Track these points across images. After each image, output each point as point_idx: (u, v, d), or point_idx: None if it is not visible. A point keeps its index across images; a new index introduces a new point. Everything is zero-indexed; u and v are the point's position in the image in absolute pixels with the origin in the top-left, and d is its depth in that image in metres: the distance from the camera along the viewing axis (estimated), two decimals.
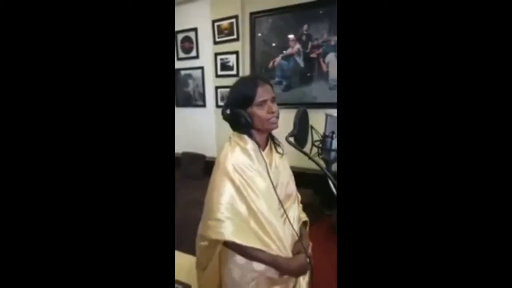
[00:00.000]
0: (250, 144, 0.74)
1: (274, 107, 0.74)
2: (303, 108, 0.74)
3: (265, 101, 0.72)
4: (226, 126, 0.80)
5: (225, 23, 2.52)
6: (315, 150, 0.70)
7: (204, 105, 2.94)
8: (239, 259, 0.74)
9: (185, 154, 2.85)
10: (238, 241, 0.69)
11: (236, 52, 2.52)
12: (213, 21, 2.57)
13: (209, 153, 2.84)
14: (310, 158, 0.66)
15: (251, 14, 2.43)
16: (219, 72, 2.67)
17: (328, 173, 0.61)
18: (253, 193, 0.72)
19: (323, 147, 0.66)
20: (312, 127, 0.70)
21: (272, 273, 0.73)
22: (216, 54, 2.63)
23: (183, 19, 2.78)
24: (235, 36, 2.49)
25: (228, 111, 0.75)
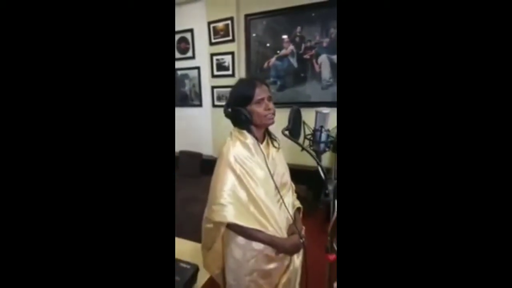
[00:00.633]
0: (249, 139, 0.85)
1: (271, 105, 0.84)
2: (296, 107, 0.85)
3: (262, 100, 0.83)
4: (222, 125, 0.91)
5: (220, 25, 2.62)
6: (307, 142, 0.81)
7: (200, 105, 3.04)
8: (240, 239, 0.85)
9: (182, 153, 2.94)
10: (240, 222, 0.79)
11: (232, 53, 2.62)
12: (209, 23, 2.67)
13: (206, 151, 2.93)
14: (303, 148, 0.77)
15: (246, 16, 2.54)
16: (215, 72, 2.77)
17: (318, 161, 0.73)
18: (253, 181, 0.82)
19: (314, 140, 0.77)
20: (304, 123, 0.81)
21: (270, 251, 0.84)
22: (212, 55, 2.73)
23: (180, 20, 2.87)
24: (230, 37, 2.59)
25: (229, 109, 0.85)
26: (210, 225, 0.85)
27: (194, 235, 1.12)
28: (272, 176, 0.84)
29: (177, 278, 0.87)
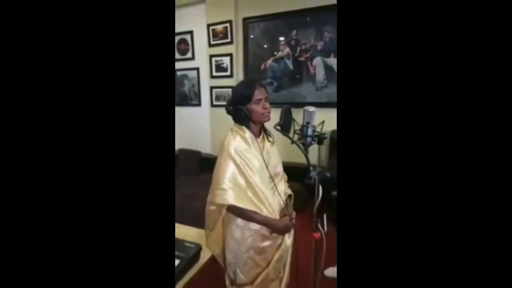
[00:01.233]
0: (247, 133, 0.99)
1: (267, 104, 0.99)
2: (287, 106, 1.00)
3: (260, 100, 0.97)
4: (220, 124, 1.05)
5: (219, 27, 2.76)
6: (296, 137, 0.96)
7: (199, 104, 3.18)
8: (240, 221, 0.99)
9: (181, 151, 3.07)
10: (239, 205, 0.94)
11: (230, 55, 2.77)
12: (208, 25, 2.82)
13: (204, 149, 3.07)
14: (293, 141, 0.92)
15: (244, 19, 2.69)
16: (214, 73, 2.91)
17: (304, 152, 0.87)
18: (250, 170, 0.97)
19: (302, 134, 0.92)
20: (294, 120, 0.96)
21: (264, 231, 0.98)
22: (211, 56, 2.87)
23: (180, 22, 3.01)
24: (229, 40, 2.74)
25: (231, 107, 1.00)
26: (213, 207, 0.99)
27: (196, 224, 1.27)
28: (267, 166, 0.98)
29: (182, 255, 1.01)
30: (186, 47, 3.11)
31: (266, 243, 1.00)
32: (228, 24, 2.71)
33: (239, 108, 0.97)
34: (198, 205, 1.05)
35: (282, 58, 2.60)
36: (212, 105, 3.01)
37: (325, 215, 0.96)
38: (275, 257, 1.01)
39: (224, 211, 0.98)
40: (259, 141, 1.01)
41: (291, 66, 2.57)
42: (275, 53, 2.62)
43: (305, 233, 1.02)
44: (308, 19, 2.44)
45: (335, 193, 1.92)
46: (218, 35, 2.79)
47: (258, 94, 0.97)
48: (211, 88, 2.98)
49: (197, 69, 3.10)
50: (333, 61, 2.40)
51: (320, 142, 0.88)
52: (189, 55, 3.12)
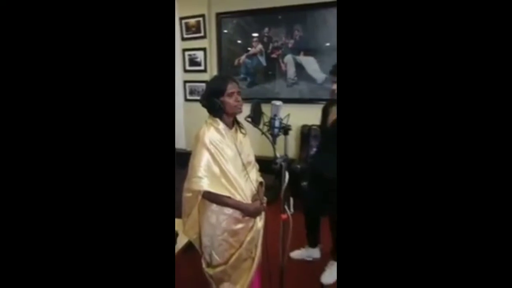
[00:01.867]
0: (221, 125, 1.09)
1: (239, 98, 1.09)
2: (257, 100, 1.11)
3: (233, 93, 1.07)
4: (194, 119, 1.12)
5: (192, 21, 2.79)
6: (265, 128, 1.08)
7: None
8: (214, 207, 1.09)
9: None
10: (213, 190, 1.03)
11: (204, 49, 2.81)
12: (181, 18, 2.82)
13: (178, 144, 3.08)
14: (262, 132, 1.03)
15: (217, 14, 2.75)
16: (187, 67, 2.93)
17: (272, 142, 0.99)
18: (224, 159, 1.06)
19: (270, 126, 1.04)
20: (263, 113, 1.08)
21: (238, 214, 1.09)
22: (184, 50, 2.89)
23: None
24: (202, 34, 2.78)
25: (205, 100, 1.09)
26: (189, 194, 1.08)
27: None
28: (240, 155, 1.09)
29: None
30: None
31: (239, 225, 1.11)
32: (201, 19, 2.74)
33: (214, 101, 1.06)
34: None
35: (255, 54, 2.70)
36: (186, 100, 3.03)
37: (291, 199, 1.09)
38: (247, 238, 1.12)
39: (199, 197, 1.07)
40: (231, 132, 1.11)
41: (264, 63, 2.69)
42: (248, 49, 2.71)
43: (276, 220, 1.15)
44: (279, 17, 2.56)
45: (304, 183, 2.09)
46: (191, 29, 2.82)
47: (231, 87, 1.07)
48: (185, 82, 2.99)
49: None
50: (302, 59, 2.56)
51: (286, 132, 1.01)
52: None
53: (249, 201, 1.12)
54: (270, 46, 2.63)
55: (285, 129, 0.99)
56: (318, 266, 1.67)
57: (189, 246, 1.20)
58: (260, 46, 2.66)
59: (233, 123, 1.15)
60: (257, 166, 1.28)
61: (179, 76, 3.04)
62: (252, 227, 1.14)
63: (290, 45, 2.57)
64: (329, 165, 1.41)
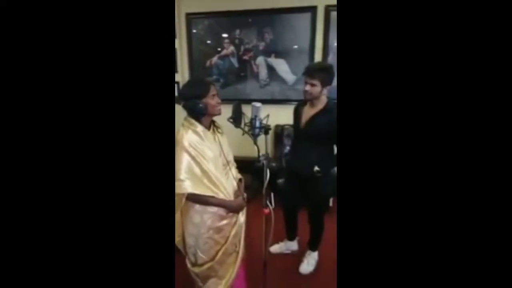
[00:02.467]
0: (199, 127, 1.13)
1: (219, 99, 1.15)
2: (238, 101, 1.18)
3: (214, 95, 1.13)
4: None
5: None
6: (246, 128, 1.15)
7: None
8: (198, 207, 1.13)
9: None
10: (197, 192, 1.07)
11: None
12: None
13: None
14: (244, 131, 1.10)
15: (187, 14, 2.75)
16: None
17: (255, 140, 1.07)
18: (204, 159, 1.11)
19: (251, 126, 1.11)
20: (243, 113, 1.14)
21: (222, 211, 1.14)
22: None
23: None
24: None
25: (188, 103, 1.12)
26: None
27: None
28: (223, 154, 1.15)
29: None
30: None
31: (224, 222, 1.17)
32: None
33: (196, 103, 1.10)
34: None
35: (227, 56, 2.75)
36: None
37: (272, 194, 1.17)
38: (232, 233, 1.19)
39: (184, 199, 1.10)
40: (210, 133, 1.17)
41: (236, 64, 2.75)
42: (219, 49, 2.75)
43: (257, 216, 1.23)
44: (249, 20, 2.65)
45: (279, 180, 2.20)
46: None
47: (212, 90, 1.13)
48: None
49: None
50: (273, 61, 2.68)
51: (266, 132, 1.09)
52: None
53: (232, 198, 1.18)
54: (242, 48, 2.71)
55: (266, 129, 1.07)
56: (296, 258, 1.78)
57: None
58: (232, 48, 2.73)
59: (210, 124, 1.21)
60: (235, 164, 1.34)
61: None
62: (235, 222, 1.21)
63: (261, 47, 2.67)
64: (304, 163, 1.53)
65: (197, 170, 1.10)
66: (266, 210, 1.15)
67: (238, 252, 1.23)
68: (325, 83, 1.41)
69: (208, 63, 2.80)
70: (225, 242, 1.18)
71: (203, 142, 1.12)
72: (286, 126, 2.57)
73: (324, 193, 1.64)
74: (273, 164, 2.38)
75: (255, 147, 1.11)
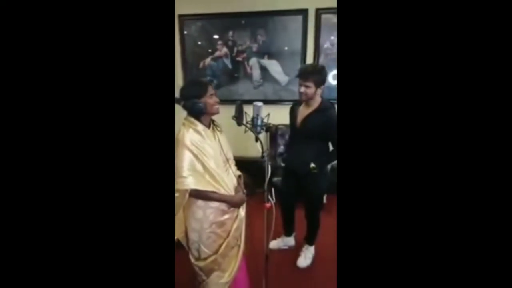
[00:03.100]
0: (199, 126, 1.19)
1: (217, 98, 1.21)
2: (240, 101, 1.24)
3: (212, 94, 1.18)
4: None
5: None
6: (248, 126, 1.21)
7: None
8: (200, 202, 1.18)
9: None
10: (199, 188, 1.12)
11: None
12: None
13: None
14: (248, 128, 1.15)
15: (180, 16, 2.79)
16: None
17: (257, 136, 1.13)
18: (205, 157, 1.16)
19: (252, 124, 1.18)
20: (245, 112, 1.21)
21: (223, 206, 1.20)
22: None
23: None
24: None
25: (187, 102, 1.17)
26: (177, 194, 1.15)
27: None
28: (223, 151, 1.20)
29: None
30: None
31: (226, 216, 1.22)
32: None
33: (196, 103, 1.16)
34: None
35: (220, 57, 2.81)
36: None
37: (273, 189, 1.23)
38: (234, 227, 1.24)
39: (187, 195, 1.15)
40: (210, 131, 1.22)
41: (229, 65, 2.81)
42: (209, 50, 2.80)
43: (256, 212, 1.29)
44: (243, 21, 2.71)
45: (275, 179, 2.26)
46: None
47: (210, 90, 1.18)
48: None
49: None
50: (266, 62, 2.75)
51: (267, 130, 1.16)
52: None
53: (232, 193, 1.24)
54: (235, 50, 2.77)
55: (267, 127, 1.14)
56: (293, 253, 1.85)
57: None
58: (225, 49, 2.78)
59: (209, 123, 1.26)
60: (233, 161, 1.40)
61: None
62: (236, 217, 1.27)
63: (254, 49, 2.74)
64: (301, 161, 1.60)
65: (199, 167, 1.14)
66: (268, 204, 1.21)
67: (239, 246, 1.28)
68: (319, 84, 1.49)
69: (201, 64, 2.84)
70: (227, 236, 1.23)
71: (204, 140, 1.17)
72: (280, 126, 2.64)
73: (320, 190, 1.72)
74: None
75: (252, 146, 1.17)
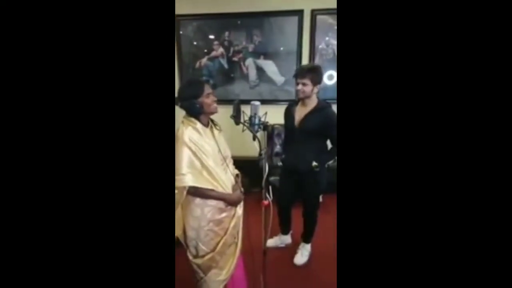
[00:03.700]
0: (198, 124, 1.20)
1: (214, 97, 1.22)
2: (238, 101, 1.25)
3: (209, 94, 1.20)
4: None
5: None
6: (246, 125, 1.23)
7: None
8: (198, 200, 1.19)
9: None
10: (198, 185, 1.14)
11: None
12: None
13: None
14: (246, 127, 1.17)
15: (176, 16, 2.79)
16: None
17: (255, 134, 1.14)
18: (204, 155, 1.17)
19: (250, 123, 1.19)
20: (243, 111, 1.22)
21: (221, 204, 1.21)
22: None
23: None
24: None
25: (185, 102, 1.18)
26: (175, 191, 1.16)
27: None
28: (220, 150, 1.22)
29: None
30: None
31: (223, 214, 1.23)
32: None
33: (193, 102, 1.17)
34: None
35: (216, 57, 2.82)
36: None
37: (270, 187, 1.25)
38: (231, 225, 1.26)
39: (185, 192, 1.16)
40: (208, 130, 1.24)
41: (225, 66, 2.83)
42: (206, 50, 2.81)
43: (253, 210, 1.31)
44: (238, 22, 2.73)
45: (272, 178, 2.29)
46: None
47: (207, 89, 1.20)
48: None
49: None
50: (262, 62, 2.77)
51: (265, 128, 1.18)
52: None
53: (230, 191, 1.25)
54: (231, 50, 2.78)
55: (264, 126, 1.16)
56: (290, 250, 1.87)
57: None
58: (221, 49, 2.80)
59: (208, 122, 1.28)
60: (232, 160, 1.42)
61: None
62: (234, 215, 1.28)
63: (250, 49, 2.76)
64: (301, 160, 1.62)
65: (197, 164, 1.16)
66: (266, 202, 1.23)
67: (237, 244, 1.30)
68: (315, 82, 1.52)
69: (197, 64, 2.85)
70: (225, 233, 1.24)
71: (202, 138, 1.19)
72: (276, 126, 2.67)
73: (319, 188, 1.75)
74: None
75: (248, 146, 1.19)
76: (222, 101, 1.26)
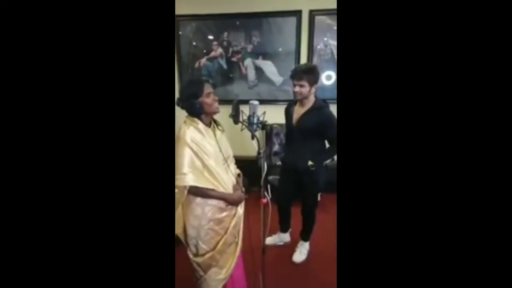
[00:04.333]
0: (200, 124, 1.21)
1: (215, 97, 1.23)
2: (237, 100, 1.26)
3: (209, 93, 1.20)
4: None
5: None
6: (245, 124, 1.24)
7: None
8: (199, 199, 1.20)
9: None
10: (198, 185, 1.15)
11: None
12: None
13: None
14: (245, 126, 1.18)
15: (176, 16, 2.80)
16: None
17: (253, 133, 1.16)
18: (205, 155, 1.18)
19: (249, 122, 1.20)
20: (242, 111, 1.23)
21: (221, 204, 1.22)
22: None
23: None
24: None
25: (185, 103, 1.19)
26: (176, 190, 1.17)
27: None
28: (220, 150, 1.23)
29: None
30: None
31: (224, 214, 1.24)
32: None
33: (193, 103, 1.18)
34: None
35: (215, 57, 2.83)
36: None
37: (269, 185, 1.27)
38: (232, 224, 1.27)
39: (186, 192, 1.17)
40: (210, 130, 1.25)
41: (224, 66, 2.84)
42: (205, 51, 2.82)
43: (252, 208, 1.32)
44: (237, 22, 2.74)
45: (270, 177, 2.30)
46: None
47: (207, 88, 1.20)
48: None
49: None
50: (261, 63, 2.79)
51: (263, 128, 1.19)
52: None
53: (231, 191, 1.26)
54: (230, 50, 2.79)
55: (263, 125, 1.17)
56: (289, 248, 1.89)
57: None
58: (220, 50, 2.81)
59: (210, 122, 1.28)
60: (233, 160, 1.43)
61: None
62: (234, 214, 1.29)
63: (249, 50, 2.77)
64: (299, 159, 1.64)
65: (198, 164, 1.17)
66: (264, 200, 1.24)
67: (237, 243, 1.31)
68: (312, 82, 1.53)
69: (196, 64, 2.86)
70: (225, 232, 1.26)
71: (204, 138, 1.19)
72: (275, 125, 2.68)
73: (317, 187, 1.76)
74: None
75: (246, 146, 1.20)
76: (221, 101, 1.26)
